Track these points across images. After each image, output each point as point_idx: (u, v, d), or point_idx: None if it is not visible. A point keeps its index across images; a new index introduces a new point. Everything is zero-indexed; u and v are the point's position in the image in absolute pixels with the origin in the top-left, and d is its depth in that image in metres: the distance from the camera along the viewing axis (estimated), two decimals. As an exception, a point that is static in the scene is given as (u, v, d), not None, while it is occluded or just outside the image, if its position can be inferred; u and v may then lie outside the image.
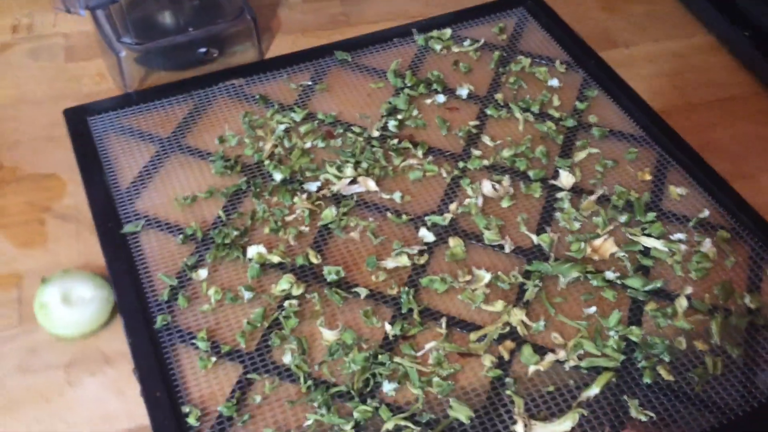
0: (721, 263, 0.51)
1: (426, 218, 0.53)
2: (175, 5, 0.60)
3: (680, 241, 0.52)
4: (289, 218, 0.52)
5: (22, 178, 0.55)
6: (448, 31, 0.67)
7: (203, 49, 0.62)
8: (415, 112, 0.60)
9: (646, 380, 0.45)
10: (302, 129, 0.58)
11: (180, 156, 0.56)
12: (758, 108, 0.64)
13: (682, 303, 0.48)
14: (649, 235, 0.52)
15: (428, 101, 0.61)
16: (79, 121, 0.58)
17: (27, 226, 0.52)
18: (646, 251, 0.51)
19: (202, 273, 0.49)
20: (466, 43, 0.66)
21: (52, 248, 0.51)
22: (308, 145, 0.57)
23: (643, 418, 0.43)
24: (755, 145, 0.61)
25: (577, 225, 0.53)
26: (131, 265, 0.49)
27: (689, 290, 0.49)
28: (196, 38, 0.61)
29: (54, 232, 0.52)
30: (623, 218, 0.53)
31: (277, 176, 0.54)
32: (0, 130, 0.59)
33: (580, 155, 0.57)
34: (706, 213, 0.54)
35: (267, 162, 0.55)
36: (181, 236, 0.51)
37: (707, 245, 0.51)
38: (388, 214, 0.53)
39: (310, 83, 0.62)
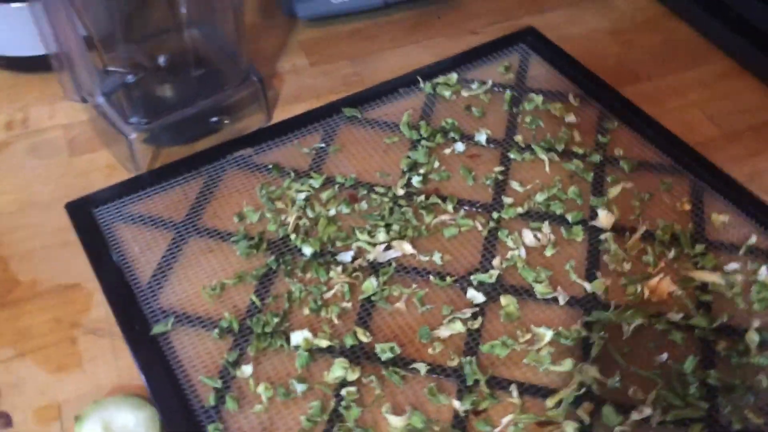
0: (781, 290, 0.49)
1: (471, 277, 0.50)
2: (179, 78, 0.57)
3: (735, 271, 0.50)
4: (327, 295, 0.49)
5: (43, 293, 0.51)
6: (454, 76, 0.65)
7: (215, 119, 0.59)
8: (436, 164, 0.58)
9: (736, 426, 0.42)
10: (323, 195, 0.55)
11: (198, 240, 0.53)
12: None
13: (753, 338, 0.46)
14: (703, 268, 0.50)
15: (447, 151, 0.59)
16: (84, 215, 0.54)
17: (58, 347, 0.48)
18: (703, 287, 0.49)
19: (247, 369, 0.45)
20: (474, 85, 0.64)
21: (89, 369, 0.47)
22: (332, 212, 0.54)
23: (743, 470, 0.41)
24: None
25: (627, 266, 0.50)
26: (168, 370, 0.45)
27: (757, 323, 0.47)
28: (205, 108, 0.58)
29: (88, 350, 0.48)
30: (672, 253, 0.51)
31: (307, 250, 0.51)
32: (9, 240, 0.54)
33: (614, 191, 0.55)
34: (753, 239, 0.52)
35: (293, 236, 0.52)
36: (216, 330, 0.47)
37: (764, 273, 0.50)
38: (431, 278, 0.50)
39: (322, 145, 0.59)
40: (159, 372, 0.45)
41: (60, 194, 0.57)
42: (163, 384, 0.45)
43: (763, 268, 0.50)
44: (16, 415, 0.45)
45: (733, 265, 0.50)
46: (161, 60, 0.57)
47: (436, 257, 0.51)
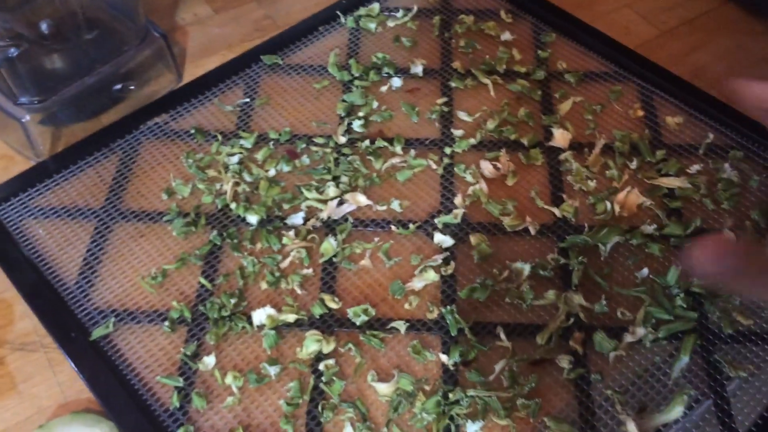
0: (745, 186, 0.48)
1: (435, 221, 0.46)
2: (69, 45, 0.49)
3: (699, 172, 0.49)
4: (284, 264, 0.44)
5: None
6: (375, 6, 0.60)
7: (118, 86, 0.51)
8: (375, 104, 0.53)
9: (728, 330, 0.41)
10: (258, 156, 0.50)
11: (125, 225, 0.47)
12: (730, 19, 0.61)
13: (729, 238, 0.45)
14: (667, 175, 0.48)
15: (384, 88, 0.54)
16: (-15, 217, 0.47)
17: (-20, 370, 0.41)
18: (671, 193, 0.48)
19: (209, 360, 0.40)
20: (399, 14, 0.59)
21: (26, 390, 0.41)
22: (272, 172, 0.49)
23: (744, 374, 0.40)
24: (738, 57, 0.58)
25: (592, 184, 0.48)
26: (119, 376, 0.40)
27: (729, 222, 0.46)
28: (106, 75, 0.50)
29: (20, 369, 0.41)
30: (634, 164, 0.49)
31: (252, 219, 0.46)
32: None
33: (565, 107, 0.53)
34: (710, 137, 0.51)
35: (233, 205, 0.47)
36: (166, 323, 0.42)
37: (727, 170, 0.48)
38: (393, 228, 0.46)
39: (246, 100, 0.53)
40: (108, 380, 0.40)
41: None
42: (116, 392, 0.39)
43: (726, 165, 0.49)
44: (-52, 459, 0.39)
45: (695, 167, 0.49)
46: (44, 27, 0.49)
47: (395, 205, 0.47)
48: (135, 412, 0.38)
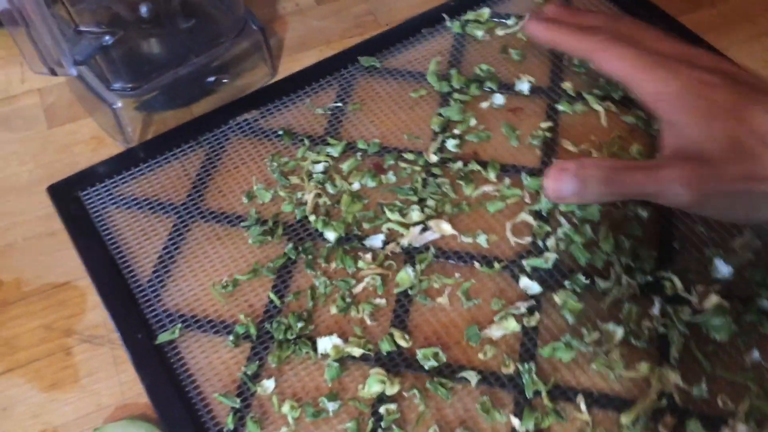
0: None
1: (523, 262, 0.43)
2: (166, 31, 0.48)
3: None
4: (357, 289, 0.42)
5: (29, 295, 0.44)
6: (486, 10, 0.56)
7: (212, 78, 0.50)
8: (473, 122, 0.49)
9: (843, 438, 0.36)
10: (344, 166, 0.47)
11: (203, 225, 0.46)
12: None
13: None
14: (793, 242, 0.43)
15: (485, 104, 0.51)
16: (69, 200, 0.46)
17: (51, 359, 0.41)
18: (795, 263, 0.42)
19: (269, 384, 0.39)
20: (510, 21, 0.55)
21: (88, 386, 0.40)
22: (356, 186, 0.46)
23: None
24: None
25: (705, 237, 0.43)
26: (178, 387, 0.39)
27: None
28: (201, 66, 0.49)
29: (85, 362, 0.41)
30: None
31: (330, 235, 0.44)
32: None
33: (683, 148, 0.47)
34: None
35: (312, 218, 0.45)
36: (231, 337, 0.40)
37: None
38: (476, 264, 0.43)
39: (339, 104, 0.51)
40: (167, 390, 0.39)
41: (40, 174, 0.49)
42: (173, 403, 0.38)
43: None
44: (7, 445, 0.39)
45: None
46: (143, 10, 0.48)
47: (481, 239, 0.44)
48: (189, 427, 0.38)
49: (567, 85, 0.51)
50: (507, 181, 0.46)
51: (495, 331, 0.40)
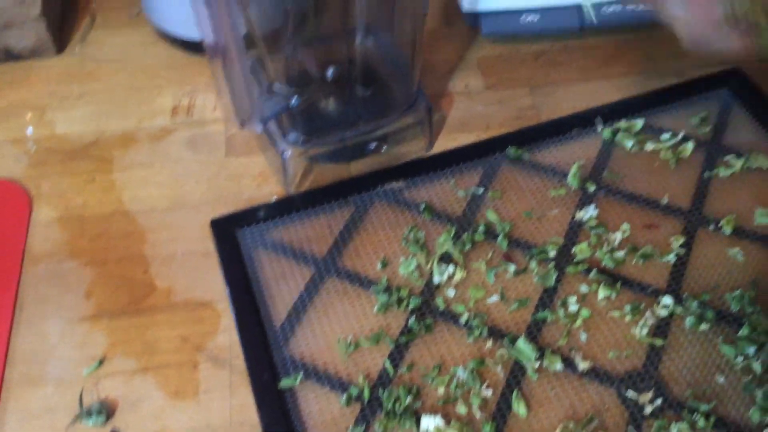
0: None
1: (626, 390, 0.44)
2: (346, 96, 0.53)
3: None
4: (465, 375, 0.45)
5: (176, 305, 0.50)
6: (639, 121, 0.57)
7: (373, 144, 0.55)
8: (601, 231, 0.51)
9: None
10: (476, 252, 0.50)
11: (336, 281, 0.50)
12: None
13: None
14: None
15: (619, 212, 0.52)
16: (227, 236, 0.52)
17: (180, 369, 0.47)
18: None
19: (371, 450, 0.42)
20: (666, 136, 0.56)
21: (204, 401, 0.46)
22: (483, 269, 0.49)
23: None
24: None
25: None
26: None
27: None
28: (367, 132, 0.54)
29: (207, 379, 0.46)
30: None
31: (450, 317, 0.47)
32: (155, 239, 0.53)
33: (820, 301, 0.47)
34: None
35: (439, 299, 0.48)
36: (345, 396, 0.44)
37: None
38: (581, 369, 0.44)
39: (480, 190, 0.54)
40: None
41: (210, 196, 0.55)
42: (285, 445, 0.43)
43: None
44: (129, 437, 0.44)
45: None
46: (329, 72, 0.53)
47: (579, 362, 0.45)
48: (294, 471, 0.41)
49: (708, 212, 0.52)
50: (630, 295, 0.47)
51: (592, 448, 0.41)
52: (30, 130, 0.60)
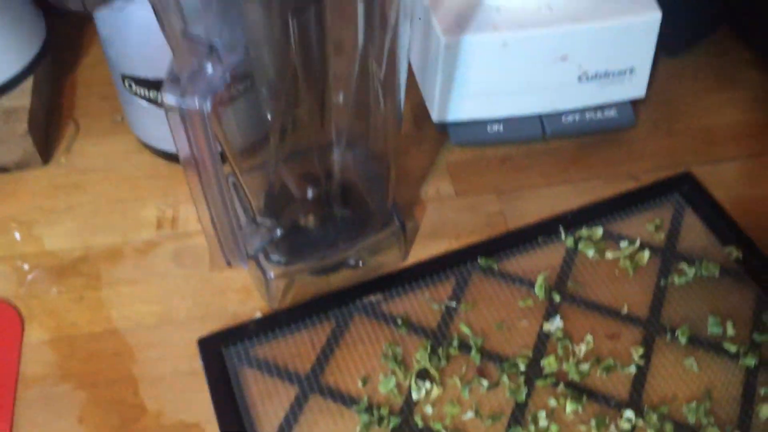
0: None
1: (598, 500, 0.47)
2: (325, 215, 0.56)
3: None
4: (445, 495, 0.48)
5: (166, 429, 0.52)
6: (599, 230, 0.61)
7: (351, 260, 0.58)
8: (568, 343, 0.54)
9: None
10: (451, 367, 0.53)
11: (320, 399, 0.52)
12: None
13: None
14: None
15: (583, 322, 0.56)
16: (214, 355, 0.54)
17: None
18: None
19: None
20: (623, 244, 0.60)
21: None
22: (459, 386, 0.52)
23: None
24: None
25: None
26: None
27: None
28: (345, 251, 0.57)
29: None
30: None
31: (429, 435, 0.50)
32: (144, 358, 0.55)
33: (765, 412, 0.51)
34: None
35: (417, 417, 0.51)
36: None
37: None
38: (555, 492, 0.48)
39: (453, 304, 0.57)
40: None
41: (196, 312, 0.58)
42: None
43: None
44: None
45: None
46: (309, 192, 0.56)
47: (563, 469, 0.48)
48: None
49: (664, 320, 0.55)
50: (595, 407, 0.51)
51: None
52: (19, 247, 0.62)
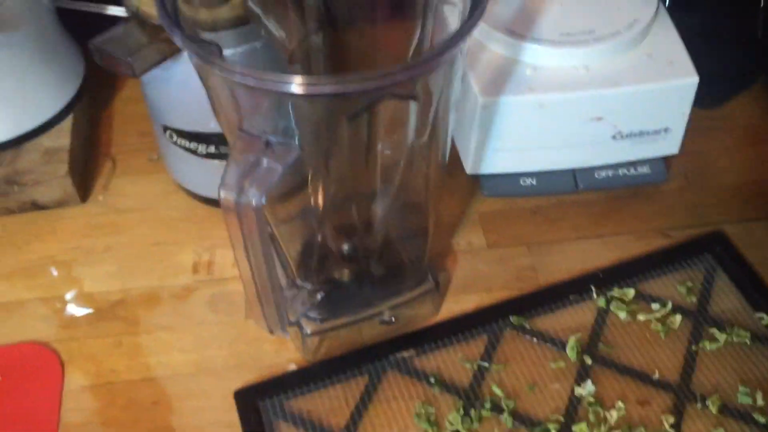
0: None
1: None
2: (364, 278, 0.57)
3: None
4: None
5: (199, 486, 0.53)
6: (631, 291, 0.61)
7: (386, 316, 0.59)
8: (599, 409, 0.55)
9: None
10: (484, 428, 0.54)
11: (355, 458, 0.54)
12: None
13: None
14: None
15: (615, 386, 0.56)
16: (251, 408, 0.55)
17: None
18: None
19: None
20: (655, 306, 0.60)
21: None
22: (490, 452, 0.53)
23: None
24: None
25: None
26: None
27: None
28: (380, 310, 0.58)
29: None
30: None
31: (461, 500, 0.51)
32: (182, 408, 0.56)
33: (794, 486, 0.51)
34: None
35: (449, 479, 0.52)
36: None
37: None
38: None
39: (485, 364, 0.58)
40: None
41: (232, 362, 0.59)
42: None
43: None
44: None
45: None
46: (346, 248, 0.57)
47: None
48: None
49: (695, 386, 0.56)
50: (625, 481, 0.52)
51: None
52: (58, 289, 0.63)
